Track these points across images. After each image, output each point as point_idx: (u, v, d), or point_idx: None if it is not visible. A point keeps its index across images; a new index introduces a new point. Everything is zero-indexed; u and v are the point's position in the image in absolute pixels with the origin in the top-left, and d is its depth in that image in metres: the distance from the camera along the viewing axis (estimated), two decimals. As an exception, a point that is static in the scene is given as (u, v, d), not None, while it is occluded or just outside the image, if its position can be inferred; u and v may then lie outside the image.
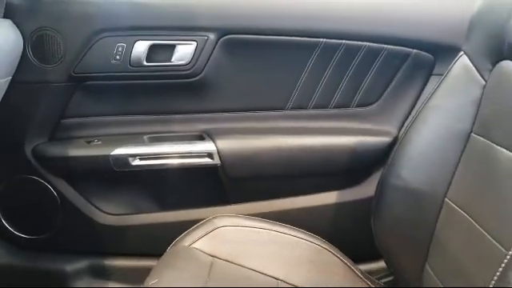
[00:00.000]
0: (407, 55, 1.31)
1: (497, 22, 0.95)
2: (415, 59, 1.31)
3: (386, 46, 1.30)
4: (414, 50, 1.31)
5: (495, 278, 0.71)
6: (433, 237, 1.01)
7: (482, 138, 0.93)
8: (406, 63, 1.32)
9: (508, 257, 0.71)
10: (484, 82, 0.97)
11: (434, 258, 0.99)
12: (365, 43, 1.30)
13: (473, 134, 0.96)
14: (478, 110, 0.97)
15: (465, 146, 0.98)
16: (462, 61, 1.04)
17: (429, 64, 1.30)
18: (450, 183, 0.99)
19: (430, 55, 1.30)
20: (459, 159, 0.98)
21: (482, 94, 0.97)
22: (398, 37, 1.30)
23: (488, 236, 0.79)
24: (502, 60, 0.92)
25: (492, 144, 0.89)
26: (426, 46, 1.30)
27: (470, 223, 0.88)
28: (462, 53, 1.06)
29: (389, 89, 1.35)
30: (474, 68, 1.01)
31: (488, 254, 0.79)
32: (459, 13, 1.17)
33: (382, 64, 1.32)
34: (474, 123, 0.97)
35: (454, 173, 0.99)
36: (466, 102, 1.00)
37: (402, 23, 1.32)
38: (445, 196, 0.98)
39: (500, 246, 0.74)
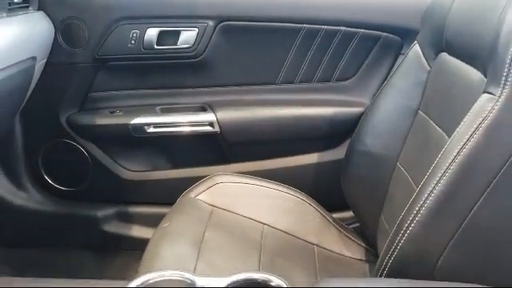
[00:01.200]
0: (378, 37, 1.44)
1: (439, 18, 1.10)
2: (385, 41, 1.45)
3: (359, 30, 1.43)
4: (384, 34, 1.44)
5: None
6: (386, 193, 1.18)
7: (424, 115, 1.10)
8: (377, 44, 1.45)
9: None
10: (429, 68, 1.14)
11: (386, 209, 1.16)
12: (341, 28, 1.43)
13: (419, 111, 1.13)
14: (423, 91, 1.13)
15: (413, 121, 1.15)
16: (415, 48, 1.20)
17: (397, 45, 1.43)
18: (401, 150, 1.16)
19: (397, 37, 1.43)
20: (409, 130, 1.15)
21: (427, 78, 1.13)
22: (370, 22, 1.43)
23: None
24: (441, 52, 1.08)
25: (430, 121, 1.06)
26: (394, 30, 1.43)
27: (410, 183, 1.07)
28: (416, 42, 1.21)
29: (363, 66, 1.49)
30: (422, 56, 1.17)
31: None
32: (422, 2, 1.27)
33: (357, 45, 1.46)
34: (420, 102, 1.14)
35: (404, 142, 1.15)
36: (415, 83, 1.16)
37: (374, 10, 1.44)
38: (397, 160, 1.16)
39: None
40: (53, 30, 1.41)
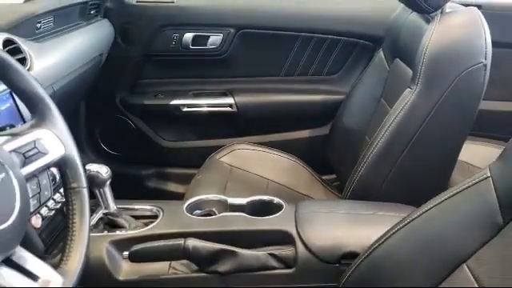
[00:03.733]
0: (356, 43, 1.76)
1: (396, 31, 1.42)
2: (361, 46, 1.76)
3: (342, 37, 1.76)
4: (361, 41, 1.76)
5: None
6: (358, 159, 1.53)
7: (384, 102, 1.44)
8: (356, 48, 1.78)
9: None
10: (388, 69, 1.46)
11: (357, 172, 1.33)
12: (329, 36, 1.76)
13: (381, 99, 1.45)
14: (384, 85, 1.46)
15: (376, 106, 1.45)
16: (380, 54, 1.52)
17: (370, 49, 1.73)
18: (368, 126, 1.45)
19: (371, 43, 1.73)
20: (374, 112, 1.45)
21: (387, 76, 1.46)
22: (350, 32, 1.75)
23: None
24: (396, 57, 1.41)
25: (387, 106, 1.41)
26: (368, 38, 1.73)
27: (372, 151, 1.43)
28: (381, 48, 1.56)
29: (345, 65, 1.81)
30: (384, 59, 1.50)
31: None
32: (389, 16, 1.55)
33: (341, 49, 1.78)
34: (382, 93, 1.46)
35: (370, 120, 1.45)
36: (379, 79, 1.48)
37: (353, 23, 1.75)
38: (365, 134, 1.45)
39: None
40: (113, 32, 1.75)
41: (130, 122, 1.88)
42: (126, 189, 1.91)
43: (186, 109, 1.82)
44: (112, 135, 1.93)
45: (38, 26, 1.24)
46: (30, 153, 0.70)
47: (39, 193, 0.77)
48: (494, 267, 0.69)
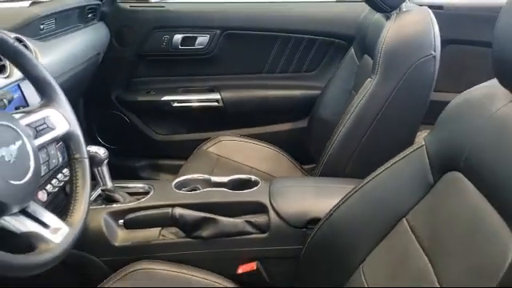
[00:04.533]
0: (332, 42, 1.90)
1: (364, 30, 1.55)
2: (337, 45, 1.89)
3: (319, 37, 1.90)
4: (336, 40, 1.89)
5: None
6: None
7: (354, 93, 1.57)
8: (331, 47, 1.91)
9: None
10: (358, 64, 1.61)
11: (325, 153, 1.39)
12: (306, 36, 1.90)
13: (352, 91, 1.60)
14: (355, 79, 1.58)
15: (348, 97, 1.57)
16: (351, 51, 1.67)
17: (344, 47, 1.82)
18: (341, 116, 1.56)
19: (344, 42, 1.85)
20: (346, 103, 1.49)
21: (357, 70, 1.60)
22: (325, 32, 1.89)
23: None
24: (364, 54, 1.54)
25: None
26: (342, 37, 1.86)
27: (338, 134, 1.53)
28: (352, 46, 1.71)
29: (322, 62, 1.94)
30: (355, 56, 1.64)
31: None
32: (359, 17, 1.67)
33: (318, 47, 1.92)
34: (353, 85, 1.59)
35: (344, 111, 1.56)
36: (350, 74, 1.62)
37: (328, 24, 1.88)
38: (340, 123, 1.64)
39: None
40: (109, 34, 1.88)
41: (125, 117, 2.01)
42: (121, 179, 2.02)
43: (175, 104, 1.95)
44: (108, 130, 2.04)
45: (42, 27, 1.38)
46: (41, 127, 0.84)
47: (48, 160, 0.91)
48: (426, 219, 0.83)
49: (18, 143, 0.74)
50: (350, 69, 1.65)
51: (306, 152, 1.78)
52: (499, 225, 0.63)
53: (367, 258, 0.91)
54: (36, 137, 0.82)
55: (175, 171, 1.82)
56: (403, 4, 1.30)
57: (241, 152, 1.73)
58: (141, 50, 1.93)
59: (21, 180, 0.72)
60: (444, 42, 1.26)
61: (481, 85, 0.80)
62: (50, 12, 1.39)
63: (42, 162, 0.86)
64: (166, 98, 1.95)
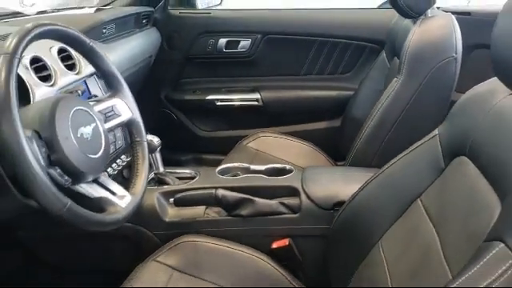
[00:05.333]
0: (365, 47, 2.02)
1: (393, 36, 1.67)
2: (370, 49, 2.01)
3: (353, 41, 2.02)
4: (369, 44, 2.00)
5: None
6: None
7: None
8: (365, 51, 2.03)
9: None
10: (389, 66, 1.74)
11: (354, 146, 1.50)
12: (342, 40, 2.02)
13: (383, 91, 1.73)
14: (385, 80, 1.70)
15: (379, 96, 1.69)
16: (383, 54, 1.79)
17: (377, 51, 1.94)
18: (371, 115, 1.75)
19: (377, 46, 1.96)
20: (377, 103, 1.75)
21: (388, 72, 1.72)
22: (359, 37, 2.01)
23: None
24: (394, 56, 1.67)
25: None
26: (375, 42, 1.98)
27: (366, 128, 1.60)
28: (384, 49, 1.84)
29: (356, 65, 2.06)
30: (386, 59, 1.77)
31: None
32: (390, 23, 1.80)
33: (352, 52, 2.04)
34: (384, 85, 1.73)
35: (375, 110, 1.74)
36: (382, 75, 1.73)
37: (362, 29, 2.00)
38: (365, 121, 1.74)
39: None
40: (160, 39, 2.06)
41: (173, 114, 2.18)
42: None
43: (219, 103, 2.11)
44: (157, 126, 2.09)
45: (104, 31, 1.56)
46: (109, 114, 1.01)
47: (115, 141, 1.08)
48: (436, 198, 0.94)
49: (93, 125, 0.91)
50: (382, 71, 1.77)
51: (340, 150, 1.87)
52: (491, 195, 0.74)
53: (385, 235, 1.03)
54: (105, 121, 0.98)
55: (217, 164, 1.89)
56: (429, 10, 1.42)
57: (278, 148, 1.85)
58: (188, 53, 2.10)
59: (95, 154, 0.89)
60: (471, 47, 1.36)
61: (485, 82, 0.91)
62: (111, 18, 1.58)
63: (110, 142, 1.02)
64: (210, 97, 2.12)
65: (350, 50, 2.05)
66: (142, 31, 1.90)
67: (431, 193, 0.97)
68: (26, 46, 0.80)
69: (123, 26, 1.73)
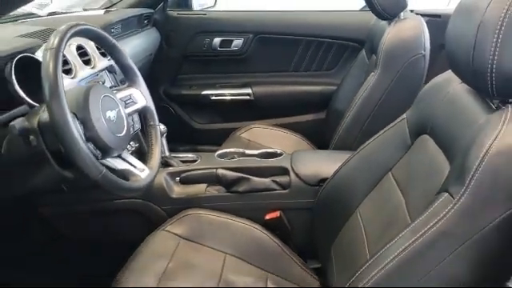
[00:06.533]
0: (347, 46, 2.20)
1: (374, 36, 1.86)
2: (351, 48, 2.19)
3: (336, 41, 2.20)
4: (351, 43, 2.18)
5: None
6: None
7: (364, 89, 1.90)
8: (347, 50, 2.21)
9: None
10: (368, 63, 1.93)
11: (336, 134, 1.69)
12: (326, 40, 2.20)
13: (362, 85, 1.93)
14: (365, 76, 1.89)
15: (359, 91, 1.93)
16: (363, 52, 1.95)
17: (357, 50, 2.08)
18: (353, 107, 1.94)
19: (358, 45, 2.12)
20: (358, 97, 1.93)
21: (367, 68, 1.92)
22: (342, 37, 2.19)
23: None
24: (372, 54, 1.87)
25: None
26: (356, 41, 2.15)
27: (347, 117, 1.80)
28: (363, 48, 2.03)
29: (339, 62, 2.24)
30: (365, 56, 1.94)
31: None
32: (369, 24, 1.99)
33: (336, 50, 2.22)
34: (363, 82, 1.91)
35: (355, 103, 1.93)
36: (362, 71, 1.88)
37: (344, 30, 2.18)
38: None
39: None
40: (159, 38, 2.22)
41: (171, 108, 2.35)
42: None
43: (213, 97, 2.28)
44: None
45: (112, 30, 1.73)
46: (128, 101, 1.18)
47: (133, 125, 1.25)
48: (404, 169, 1.13)
49: (117, 109, 1.08)
50: (361, 67, 1.93)
51: (325, 139, 2.01)
52: (444, 162, 0.93)
53: (361, 204, 1.21)
54: (125, 107, 1.16)
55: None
56: (402, 13, 1.61)
57: (268, 138, 2.02)
58: (185, 51, 2.27)
59: (120, 134, 1.06)
60: (441, 46, 1.54)
61: (443, 73, 1.10)
62: (119, 19, 1.75)
63: (130, 125, 1.19)
64: (205, 92, 2.29)
65: (333, 48, 2.24)
66: (143, 31, 2.07)
67: (400, 166, 1.15)
68: (67, 42, 0.97)
69: (127, 26, 1.90)
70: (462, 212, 0.77)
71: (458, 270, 0.78)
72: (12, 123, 0.96)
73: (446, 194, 0.81)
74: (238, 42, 2.25)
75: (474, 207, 0.76)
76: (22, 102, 1.14)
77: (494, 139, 0.76)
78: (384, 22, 1.76)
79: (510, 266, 0.78)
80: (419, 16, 1.59)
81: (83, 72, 1.37)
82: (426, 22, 1.56)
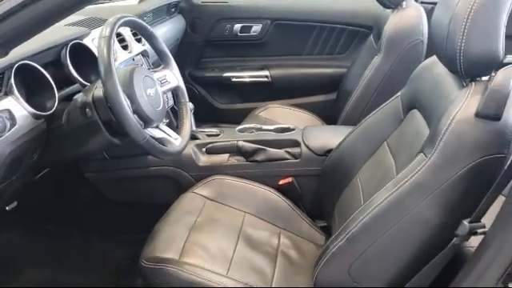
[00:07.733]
0: (358, 31, 2.36)
1: (379, 21, 2.07)
2: (361, 33, 2.35)
3: (347, 26, 2.37)
4: (360, 29, 2.35)
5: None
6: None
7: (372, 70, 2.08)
8: (358, 35, 2.37)
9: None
10: (375, 47, 2.10)
11: (344, 109, 1.92)
12: (338, 25, 2.37)
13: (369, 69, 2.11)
14: (372, 59, 2.07)
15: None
16: (371, 37, 2.13)
17: (367, 35, 2.23)
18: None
19: (367, 31, 2.27)
20: (365, 77, 2.12)
21: (374, 52, 2.10)
22: (352, 23, 2.36)
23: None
24: (379, 38, 2.05)
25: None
26: (365, 27, 2.31)
27: (354, 95, 2.01)
28: (371, 34, 2.20)
29: (350, 47, 2.41)
30: (373, 42, 2.11)
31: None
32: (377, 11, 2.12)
33: (347, 35, 2.39)
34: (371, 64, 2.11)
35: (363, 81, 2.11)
36: (369, 54, 2.05)
37: (354, 17, 2.35)
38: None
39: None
40: (185, 24, 2.43)
41: (195, 89, 2.56)
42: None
43: (234, 79, 2.48)
44: None
45: (145, 19, 1.95)
46: (163, 81, 1.40)
47: (167, 101, 1.47)
48: (396, 139, 1.33)
49: (155, 87, 1.30)
50: (369, 51, 2.09)
51: (336, 118, 2.17)
52: (426, 129, 1.12)
53: (361, 169, 1.41)
54: (161, 86, 1.38)
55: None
56: (404, 2, 1.79)
57: (284, 116, 2.20)
58: (208, 37, 2.47)
59: (158, 108, 1.29)
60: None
61: (432, 56, 1.29)
62: (151, 8, 1.96)
63: (165, 101, 1.41)
64: (226, 74, 2.49)
65: (344, 34, 2.41)
66: (171, 18, 2.28)
67: (393, 136, 1.35)
68: (116, 31, 1.18)
69: (157, 15, 2.12)
70: (432, 167, 0.97)
71: (429, 213, 0.99)
72: (75, 97, 1.19)
73: (421, 154, 1.01)
74: (256, 28, 2.44)
75: (442, 163, 0.96)
76: (74, 81, 1.37)
77: (459, 110, 0.95)
78: (388, 10, 1.93)
79: (472, 208, 0.97)
80: (419, 5, 1.77)
81: (122, 56, 1.60)
82: (430, 10, 1.73)
